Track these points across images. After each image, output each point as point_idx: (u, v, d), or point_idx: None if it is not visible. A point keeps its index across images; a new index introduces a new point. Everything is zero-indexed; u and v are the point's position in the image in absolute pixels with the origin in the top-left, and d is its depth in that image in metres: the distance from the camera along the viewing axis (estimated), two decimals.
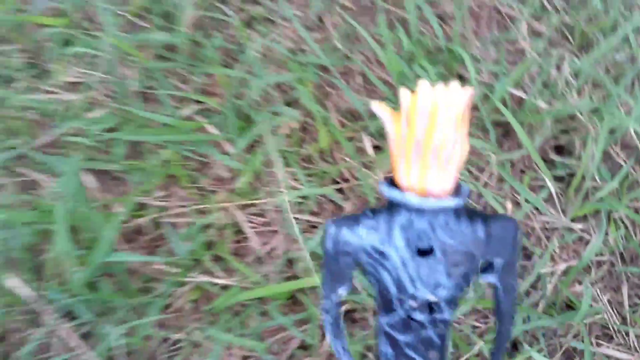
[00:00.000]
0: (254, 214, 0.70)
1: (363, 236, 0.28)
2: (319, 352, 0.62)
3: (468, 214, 0.29)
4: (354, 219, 0.29)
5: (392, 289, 0.29)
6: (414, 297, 0.29)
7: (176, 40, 0.80)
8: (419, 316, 0.29)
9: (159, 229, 0.68)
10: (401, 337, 0.30)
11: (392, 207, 0.28)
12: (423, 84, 0.26)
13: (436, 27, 0.82)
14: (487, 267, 0.30)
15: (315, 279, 0.62)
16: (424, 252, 0.28)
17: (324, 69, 0.80)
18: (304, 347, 0.63)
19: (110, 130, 0.73)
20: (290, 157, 0.73)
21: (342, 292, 0.30)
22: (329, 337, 0.32)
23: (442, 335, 0.31)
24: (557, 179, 0.74)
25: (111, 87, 0.77)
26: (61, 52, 0.79)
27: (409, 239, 0.28)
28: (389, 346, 0.31)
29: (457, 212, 0.28)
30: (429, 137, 0.26)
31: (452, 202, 0.27)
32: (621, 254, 0.70)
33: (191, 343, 0.62)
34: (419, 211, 0.27)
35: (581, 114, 0.75)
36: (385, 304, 0.30)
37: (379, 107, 0.27)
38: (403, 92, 0.26)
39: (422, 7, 0.83)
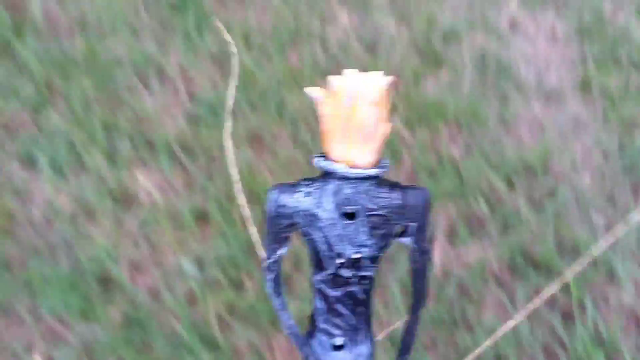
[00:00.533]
0: None
1: (299, 199, 0.34)
2: None
3: (387, 183, 0.34)
4: (292, 186, 0.34)
5: (323, 247, 0.35)
6: (341, 255, 0.35)
7: None
8: (346, 273, 0.35)
9: None
10: (331, 292, 0.36)
11: (324, 176, 0.34)
12: (348, 71, 0.31)
13: None
14: (404, 231, 0.36)
15: None
16: (350, 216, 0.34)
17: None
18: None
19: None
20: None
21: (282, 252, 0.37)
22: (270, 295, 0.38)
23: (366, 290, 0.37)
24: None
25: None
26: None
27: (337, 203, 0.33)
28: (321, 301, 0.37)
29: (378, 182, 0.34)
30: (353, 116, 0.31)
31: (373, 172, 0.33)
32: None
33: None
34: (346, 179, 0.33)
35: None
36: (317, 262, 0.36)
37: (312, 90, 0.33)
38: (331, 78, 0.32)
39: None
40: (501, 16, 1.74)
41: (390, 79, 0.32)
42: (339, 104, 0.31)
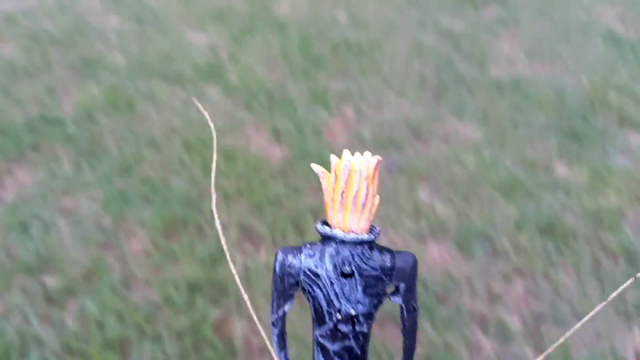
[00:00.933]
0: None
1: (303, 260, 0.37)
2: None
3: (379, 248, 0.38)
4: (297, 249, 0.38)
5: (323, 303, 0.37)
6: (339, 311, 0.37)
7: None
8: (344, 328, 0.38)
9: None
10: (330, 346, 0.39)
11: (324, 240, 0.38)
12: (346, 152, 0.37)
13: None
14: (395, 292, 0.39)
15: None
16: (347, 275, 0.37)
17: None
18: None
19: None
20: None
21: (287, 308, 0.39)
22: (275, 349, 0.40)
23: (362, 346, 0.39)
24: None
25: None
26: None
27: (335, 264, 0.37)
28: (321, 355, 0.40)
29: (371, 245, 0.38)
30: (350, 188, 0.36)
31: (367, 237, 0.37)
32: None
33: None
34: (343, 243, 0.37)
35: None
36: (318, 318, 0.38)
37: (316, 167, 0.37)
38: (332, 158, 0.37)
39: None
40: None
41: (378, 157, 0.37)
42: (337, 178, 0.36)
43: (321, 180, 0.38)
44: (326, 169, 0.38)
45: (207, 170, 1.66)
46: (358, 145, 1.80)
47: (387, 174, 1.73)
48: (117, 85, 1.93)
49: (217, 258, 1.41)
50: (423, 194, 1.69)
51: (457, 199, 1.69)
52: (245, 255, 1.45)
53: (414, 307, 0.40)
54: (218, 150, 1.71)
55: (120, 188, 1.57)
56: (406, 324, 0.40)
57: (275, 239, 1.48)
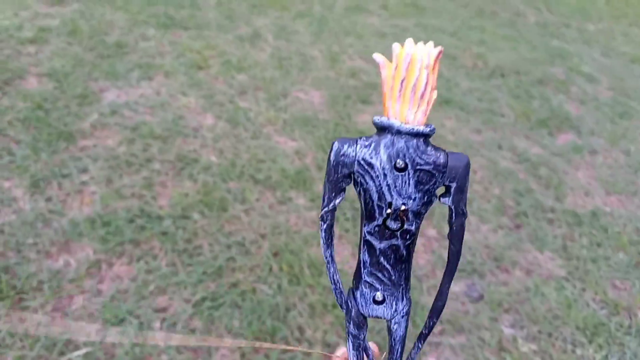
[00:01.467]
0: None
1: (358, 150, 0.37)
2: None
3: (433, 145, 0.38)
4: (352, 140, 0.37)
5: (375, 196, 0.37)
6: (390, 204, 0.37)
7: None
8: (392, 224, 0.38)
9: None
10: (377, 244, 0.38)
11: (379, 132, 0.37)
12: (408, 41, 0.36)
13: None
14: (445, 193, 0.38)
15: None
16: (400, 169, 0.37)
17: None
18: None
19: None
20: None
21: (338, 201, 0.38)
22: (322, 245, 0.40)
23: (408, 246, 0.39)
24: None
25: None
26: None
27: (390, 155, 0.37)
28: (367, 254, 0.39)
29: (426, 140, 0.37)
30: (410, 77, 0.36)
31: (423, 129, 0.37)
32: None
33: None
34: (399, 133, 0.36)
35: None
36: (368, 213, 0.38)
37: (378, 56, 0.37)
38: (394, 46, 0.37)
39: None
40: None
41: (440, 48, 0.36)
42: (398, 67, 0.36)
43: (381, 69, 0.37)
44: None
45: (294, 280, 1.70)
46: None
47: (469, 301, 1.73)
48: (211, 185, 2.04)
49: None
50: (505, 327, 1.68)
51: (540, 336, 1.67)
52: None
53: (462, 211, 0.39)
54: (303, 259, 1.76)
55: (211, 291, 1.62)
56: (454, 227, 0.39)
57: None
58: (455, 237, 0.40)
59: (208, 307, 1.57)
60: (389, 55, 0.39)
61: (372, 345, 0.43)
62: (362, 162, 0.37)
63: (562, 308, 1.77)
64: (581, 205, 2.29)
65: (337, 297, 0.41)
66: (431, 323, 0.42)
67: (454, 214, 0.39)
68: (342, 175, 0.37)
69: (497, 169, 2.42)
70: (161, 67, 2.81)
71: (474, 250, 1.92)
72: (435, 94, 0.37)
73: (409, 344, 0.42)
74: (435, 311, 0.41)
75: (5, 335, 1.41)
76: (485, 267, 1.86)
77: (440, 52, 0.37)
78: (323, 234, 0.39)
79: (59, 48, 2.77)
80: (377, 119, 0.38)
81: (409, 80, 0.36)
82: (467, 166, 0.38)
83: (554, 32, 4.64)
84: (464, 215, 0.39)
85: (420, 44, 0.37)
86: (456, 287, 1.77)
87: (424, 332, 0.42)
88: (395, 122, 0.37)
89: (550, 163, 2.54)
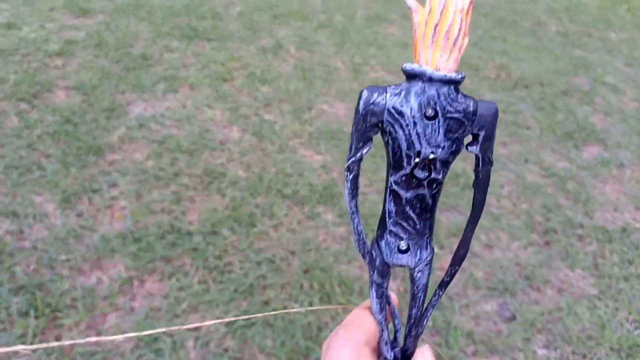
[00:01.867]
0: None
1: (388, 98, 0.36)
2: None
3: (462, 93, 0.37)
4: (382, 88, 0.36)
5: (403, 145, 0.36)
6: (419, 153, 0.36)
7: None
8: (420, 174, 0.37)
9: None
10: (404, 193, 0.38)
11: (410, 79, 0.36)
12: None
13: None
14: (472, 142, 0.38)
15: None
16: (430, 118, 0.36)
17: None
18: None
19: None
20: None
21: (365, 151, 0.38)
22: (346, 195, 0.39)
23: (433, 195, 0.39)
24: None
25: None
26: None
27: (421, 103, 0.36)
28: (393, 203, 0.39)
29: (457, 88, 0.36)
30: (444, 21, 0.35)
31: (455, 76, 0.36)
32: None
33: None
34: (430, 80, 0.36)
35: None
36: (396, 162, 0.37)
37: (410, 0, 0.36)
38: None
39: None
40: None
41: None
42: (431, 11, 0.35)
43: (413, 14, 0.36)
44: None
45: (324, 299, 1.69)
46: (472, 288, 1.80)
47: (501, 321, 1.72)
48: (239, 200, 2.04)
49: None
50: (539, 348, 1.65)
51: (574, 357, 1.64)
52: None
53: (489, 159, 0.39)
54: (334, 277, 1.75)
55: (243, 310, 1.62)
56: (480, 175, 0.39)
57: None
58: (481, 186, 0.40)
59: (241, 325, 1.57)
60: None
61: (392, 295, 0.43)
62: (392, 110, 0.36)
63: (595, 328, 1.75)
64: (611, 220, 2.26)
65: (359, 247, 0.41)
66: (453, 271, 0.42)
67: (480, 162, 0.39)
68: (370, 124, 0.37)
69: (525, 184, 2.40)
70: (186, 79, 2.82)
71: (505, 269, 1.90)
72: (467, 40, 0.37)
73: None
74: (458, 259, 0.42)
75: (41, 354, 1.41)
76: (516, 285, 1.84)
77: None
78: (348, 184, 0.39)
79: (86, 60, 2.80)
80: (407, 65, 0.37)
81: (442, 25, 0.35)
82: (496, 114, 0.38)
83: (576, 42, 4.60)
84: (490, 163, 0.39)
85: None
86: (488, 306, 1.75)
87: (445, 279, 0.42)
88: (428, 69, 0.36)
89: (577, 177, 2.52)
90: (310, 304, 1.66)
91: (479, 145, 0.38)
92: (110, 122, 2.38)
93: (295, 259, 1.82)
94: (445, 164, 0.38)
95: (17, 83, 2.50)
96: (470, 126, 0.37)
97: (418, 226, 0.40)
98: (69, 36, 3.00)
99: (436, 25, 0.35)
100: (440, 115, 0.36)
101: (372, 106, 0.36)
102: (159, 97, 2.63)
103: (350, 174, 0.38)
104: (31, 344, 1.44)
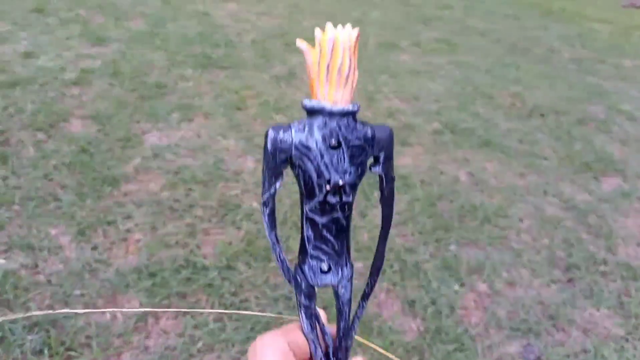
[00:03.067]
0: None
1: (293, 135, 0.39)
2: None
3: (359, 121, 0.40)
4: (285, 126, 0.39)
5: (314, 176, 0.39)
6: (328, 181, 0.39)
7: None
8: (332, 199, 0.40)
9: None
10: (319, 219, 0.40)
11: (311, 115, 0.39)
12: (329, 25, 0.38)
13: None
14: (375, 163, 0.41)
15: None
16: (334, 147, 0.39)
17: None
18: None
19: None
20: None
21: (277, 185, 0.40)
22: (266, 229, 0.41)
23: (347, 217, 0.41)
24: None
25: None
26: None
27: (324, 135, 0.39)
28: (310, 229, 0.41)
29: (354, 117, 0.40)
30: (335, 60, 0.38)
31: (352, 108, 0.39)
32: None
33: None
34: (331, 114, 0.39)
35: None
36: (308, 191, 0.40)
37: (301, 43, 0.39)
38: (317, 31, 0.38)
39: None
40: None
41: (358, 29, 0.37)
42: (322, 52, 0.37)
43: (306, 56, 0.39)
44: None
45: None
46: (495, 328, 1.75)
47: None
48: (254, 233, 2.01)
49: None
50: None
51: None
52: None
53: (392, 177, 0.42)
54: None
55: None
56: (385, 193, 0.42)
57: None
58: (387, 201, 0.43)
59: None
60: None
61: (320, 312, 0.45)
62: (299, 145, 0.39)
63: None
64: (634, 256, 2.21)
65: (284, 273, 0.43)
66: (372, 282, 0.45)
67: (385, 180, 0.42)
68: (280, 160, 0.39)
69: (544, 217, 2.36)
70: (200, 107, 2.82)
71: (528, 308, 1.85)
72: (357, 74, 0.39)
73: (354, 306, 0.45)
74: (376, 270, 0.45)
75: None
76: (540, 326, 1.79)
77: (358, 35, 0.39)
78: (266, 219, 0.41)
79: (102, 89, 2.81)
80: (307, 102, 0.39)
81: (333, 64, 0.38)
82: (391, 136, 0.41)
83: (590, 69, 4.58)
84: (392, 180, 0.42)
85: (339, 27, 0.39)
86: (512, 347, 1.70)
87: (366, 291, 0.45)
88: (327, 104, 0.39)
89: (598, 210, 2.47)
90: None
91: (380, 166, 0.42)
92: (126, 152, 2.37)
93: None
94: (354, 187, 0.41)
95: (34, 113, 2.51)
96: (371, 150, 0.41)
97: (336, 247, 0.42)
98: (86, 65, 3.02)
99: (328, 65, 0.39)
100: (343, 144, 0.40)
101: (279, 144, 0.39)
102: (173, 126, 2.62)
103: (266, 209, 0.41)
104: None
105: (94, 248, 1.84)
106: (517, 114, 3.35)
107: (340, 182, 0.40)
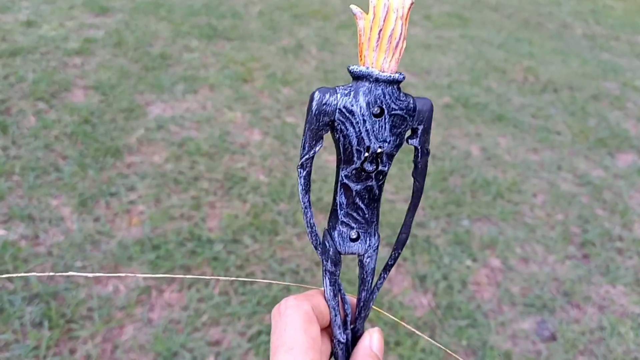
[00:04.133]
0: None
1: (338, 98, 0.39)
2: None
3: (403, 92, 0.40)
4: (332, 89, 0.39)
5: (354, 142, 0.39)
6: (368, 148, 0.39)
7: None
8: (369, 167, 0.40)
9: None
10: (354, 186, 0.41)
11: (357, 80, 0.39)
12: None
13: None
14: (412, 135, 0.41)
15: None
16: (377, 115, 0.39)
17: None
18: None
19: None
20: None
21: (317, 149, 0.40)
22: (300, 191, 0.41)
23: (380, 186, 0.42)
24: None
25: None
26: None
27: (368, 102, 0.39)
28: (344, 196, 0.42)
29: (399, 87, 0.39)
30: (387, 27, 0.37)
31: (398, 76, 0.39)
32: None
33: None
34: (377, 81, 0.39)
35: None
36: (346, 157, 0.40)
37: (355, 7, 0.39)
38: None
39: None
40: None
41: (412, 0, 0.37)
42: (375, 17, 0.37)
43: (358, 20, 0.38)
44: None
45: None
46: (508, 304, 1.70)
47: (539, 340, 1.61)
48: (261, 206, 1.95)
49: None
50: None
51: None
52: None
53: (427, 150, 0.42)
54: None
55: (267, 324, 1.53)
56: (419, 165, 0.42)
57: None
58: (420, 175, 0.43)
59: (264, 341, 1.48)
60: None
61: (350, 299, 0.45)
62: (343, 109, 0.39)
63: None
64: None
65: (312, 239, 0.43)
66: (396, 254, 0.45)
67: (420, 154, 0.42)
68: (323, 123, 0.39)
69: (559, 193, 2.29)
70: (206, 79, 2.75)
71: (542, 284, 1.80)
72: (405, 44, 0.39)
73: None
74: (400, 243, 0.44)
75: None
76: (555, 302, 1.74)
77: (412, 3, 0.38)
78: (302, 181, 0.41)
79: (105, 60, 2.73)
80: (354, 67, 0.39)
81: (385, 30, 0.38)
82: (431, 109, 0.41)
83: (603, 45, 4.47)
84: (428, 154, 0.42)
85: None
86: (526, 324, 1.65)
87: (389, 262, 0.45)
88: (374, 71, 0.39)
89: (613, 186, 2.40)
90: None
91: (418, 138, 0.41)
92: (129, 123, 2.31)
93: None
94: (390, 157, 0.41)
95: (36, 82, 2.45)
96: (411, 121, 0.41)
97: (367, 215, 0.43)
98: (88, 35, 2.94)
99: (380, 31, 0.38)
100: (386, 112, 0.39)
101: (324, 106, 0.39)
102: (178, 97, 2.55)
103: (303, 171, 0.41)
104: (44, 358, 1.36)
105: (96, 219, 1.79)
106: (530, 89, 3.26)
107: (379, 150, 0.40)
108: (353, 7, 0.39)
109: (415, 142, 0.42)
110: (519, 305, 1.71)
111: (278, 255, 1.77)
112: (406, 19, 0.39)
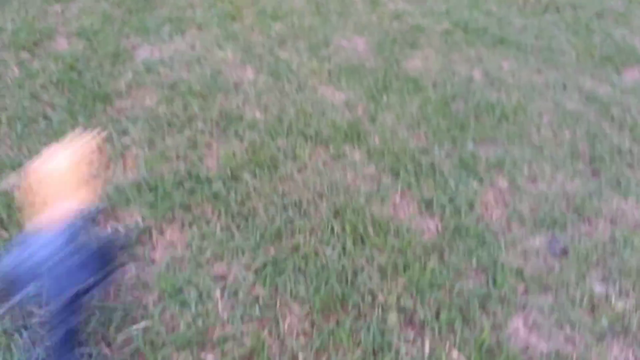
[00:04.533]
0: None
1: None
2: None
3: None
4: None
5: None
6: None
7: None
8: None
9: None
10: None
11: None
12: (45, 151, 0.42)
13: None
14: None
15: None
16: None
17: None
18: None
19: None
20: None
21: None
22: None
23: None
24: None
25: None
26: None
27: None
28: None
29: None
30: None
31: None
32: None
33: None
34: None
35: None
36: None
37: (9, 179, 0.43)
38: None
39: None
40: None
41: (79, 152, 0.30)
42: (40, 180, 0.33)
43: (22, 191, 0.37)
44: None
45: (358, 241, 1.56)
46: (518, 223, 1.66)
47: (551, 256, 1.58)
48: (259, 142, 1.89)
49: (382, 347, 1.30)
50: (595, 283, 1.52)
51: (634, 291, 1.51)
52: (408, 344, 1.33)
53: None
54: (367, 218, 1.62)
55: (272, 256, 1.50)
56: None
57: (441, 330, 1.35)
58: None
59: (270, 273, 1.45)
60: None
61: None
62: None
63: None
64: None
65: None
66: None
67: None
68: None
69: (565, 111, 2.22)
70: (193, 19, 2.64)
71: (552, 202, 1.75)
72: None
73: None
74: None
75: None
76: (565, 218, 1.70)
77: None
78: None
79: (86, 5, 2.62)
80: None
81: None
82: None
83: None
84: None
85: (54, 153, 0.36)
86: (536, 241, 1.61)
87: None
88: None
89: (621, 102, 2.32)
90: (344, 248, 1.54)
91: None
92: (116, 67, 2.22)
93: (324, 202, 1.69)
94: None
95: (16, 32, 2.35)
96: None
97: None
98: None
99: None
100: None
101: None
102: (165, 39, 2.45)
103: None
104: None
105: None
106: (531, 10, 3.13)
107: None
108: (5, 182, 0.40)
109: None
110: (529, 223, 1.67)
111: (280, 189, 1.72)
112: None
